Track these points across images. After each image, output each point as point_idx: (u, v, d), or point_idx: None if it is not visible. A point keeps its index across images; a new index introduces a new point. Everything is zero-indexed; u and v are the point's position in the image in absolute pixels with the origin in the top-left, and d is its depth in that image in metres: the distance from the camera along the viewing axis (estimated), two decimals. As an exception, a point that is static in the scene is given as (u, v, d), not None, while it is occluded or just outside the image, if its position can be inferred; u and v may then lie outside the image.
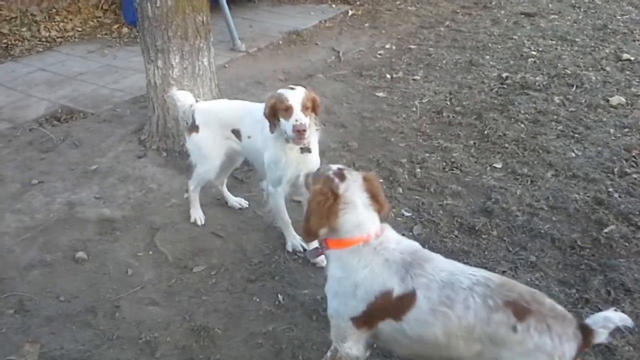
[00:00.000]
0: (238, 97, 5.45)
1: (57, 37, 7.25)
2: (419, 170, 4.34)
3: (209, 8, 4.54)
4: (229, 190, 4.01)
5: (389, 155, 4.55)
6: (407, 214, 3.87)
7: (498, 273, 3.22)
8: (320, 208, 2.25)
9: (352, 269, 2.27)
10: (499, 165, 4.40)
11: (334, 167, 2.39)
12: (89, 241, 3.60)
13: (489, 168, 4.38)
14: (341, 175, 2.31)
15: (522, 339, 2.02)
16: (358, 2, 8.75)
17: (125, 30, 7.49)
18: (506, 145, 4.68)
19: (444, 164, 4.42)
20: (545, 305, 2.08)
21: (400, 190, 4.11)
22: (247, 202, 3.97)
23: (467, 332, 2.10)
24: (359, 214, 2.28)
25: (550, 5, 8.61)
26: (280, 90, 3.16)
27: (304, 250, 3.45)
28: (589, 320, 2.06)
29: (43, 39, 7.16)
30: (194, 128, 3.59)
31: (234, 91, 5.67)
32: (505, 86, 5.82)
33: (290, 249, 3.51)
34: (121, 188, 4.13)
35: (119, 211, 3.89)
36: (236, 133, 3.53)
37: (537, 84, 5.81)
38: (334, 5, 8.65)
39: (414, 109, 5.33)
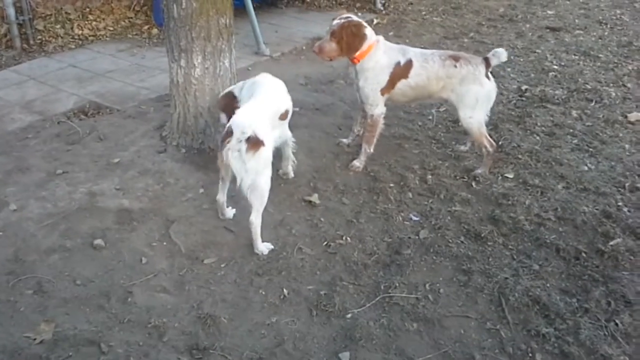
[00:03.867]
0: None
1: (90, 36, 7.51)
2: (430, 176, 4.40)
3: (236, 13, 4.68)
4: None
5: (401, 160, 4.63)
6: (415, 218, 3.94)
7: (500, 279, 3.34)
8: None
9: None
10: (510, 176, 4.44)
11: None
12: (107, 230, 3.75)
13: (500, 178, 4.42)
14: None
15: (459, 70, 4.19)
16: (384, 12, 8.87)
17: (155, 31, 7.73)
18: (519, 156, 4.72)
19: (456, 171, 4.49)
20: (469, 57, 4.31)
21: (410, 195, 4.18)
22: None
23: (436, 74, 4.21)
24: None
25: (576, 20, 8.61)
26: None
27: None
28: (488, 55, 4.26)
29: (76, 37, 7.43)
30: None
31: (256, 93, 5.81)
32: (523, 99, 5.85)
33: None
34: (140, 181, 4.28)
35: (137, 202, 4.04)
36: None
37: (556, 97, 5.83)
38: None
39: (430, 117, 5.41)
